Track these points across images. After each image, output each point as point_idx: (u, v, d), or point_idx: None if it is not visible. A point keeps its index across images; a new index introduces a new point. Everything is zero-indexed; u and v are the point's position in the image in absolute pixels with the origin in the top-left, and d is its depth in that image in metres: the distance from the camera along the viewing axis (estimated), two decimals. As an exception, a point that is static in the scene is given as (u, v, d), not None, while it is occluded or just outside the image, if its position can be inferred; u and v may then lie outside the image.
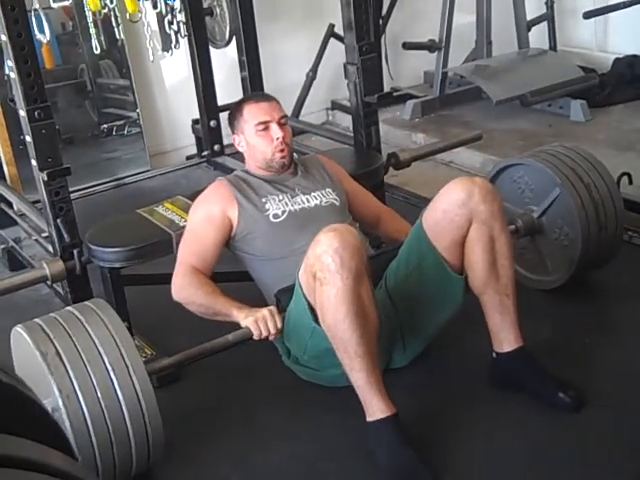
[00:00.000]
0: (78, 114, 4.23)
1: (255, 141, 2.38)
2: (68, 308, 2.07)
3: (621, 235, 2.63)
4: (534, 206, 2.59)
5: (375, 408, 1.97)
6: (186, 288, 2.28)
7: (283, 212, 2.33)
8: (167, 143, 4.52)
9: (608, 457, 1.96)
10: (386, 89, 4.31)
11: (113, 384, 1.84)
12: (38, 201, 2.74)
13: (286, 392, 2.34)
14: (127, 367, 1.87)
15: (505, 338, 2.16)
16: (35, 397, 0.94)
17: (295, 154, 2.56)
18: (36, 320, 1.98)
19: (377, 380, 1.96)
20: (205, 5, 3.90)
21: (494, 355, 2.20)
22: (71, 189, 2.61)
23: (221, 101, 3.86)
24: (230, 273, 2.60)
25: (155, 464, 2.02)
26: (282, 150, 2.36)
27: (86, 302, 2.08)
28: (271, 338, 2.17)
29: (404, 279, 2.22)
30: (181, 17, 3.39)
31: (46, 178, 2.45)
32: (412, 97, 4.81)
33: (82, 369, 1.83)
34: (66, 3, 3.58)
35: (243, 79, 3.87)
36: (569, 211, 2.48)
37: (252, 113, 2.38)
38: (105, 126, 4.27)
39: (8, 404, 0.90)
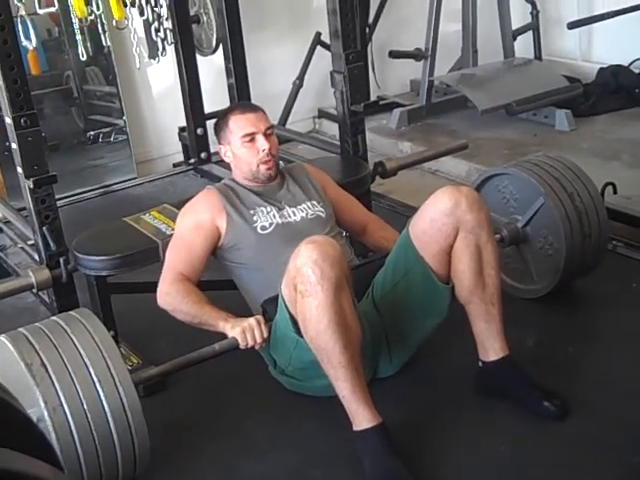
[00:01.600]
0: (64, 121, 4.22)
1: (241, 152, 2.37)
2: (53, 318, 2.06)
3: (605, 244, 2.65)
4: (519, 215, 2.60)
5: (361, 417, 1.97)
6: (173, 296, 2.28)
7: (270, 224, 2.33)
8: (154, 150, 4.51)
9: (592, 465, 1.96)
10: (373, 97, 4.34)
11: (99, 395, 1.83)
12: (24, 208, 2.73)
13: (272, 401, 2.33)
14: (113, 378, 1.86)
15: (491, 347, 2.17)
16: (21, 407, 0.94)
17: (281, 162, 2.57)
18: (21, 330, 1.96)
19: (362, 389, 1.96)
20: (192, 12, 3.91)
21: (480, 364, 2.20)
22: (57, 196, 2.61)
23: (208, 109, 3.87)
24: (216, 282, 2.60)
25: (141, 474, 2.01)
26: (267, 162, 2.36)
27: (71, 312, 2.07)
28: (257, 347, 2.17)
29: (391, 289, 2.23)
30: (168, 24, 3.39)
31: (32, 186, 2.44)
32: (398, 105, 4.82)
33: (68, 380, 1.82)
34: (52, 9, 3.58)
35: (230, 86, 3.87)
36: (553, 220, 2.50)
37: (238, 124, 2.37)
38: (91, 133, 4.27)
39: (-6, 415, 0.90)
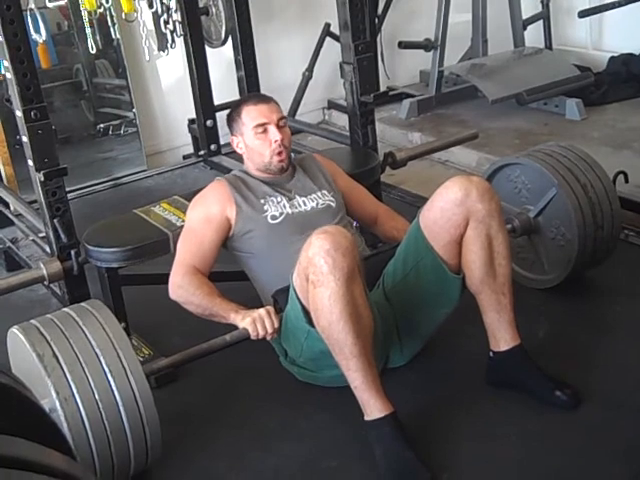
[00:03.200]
0: (74, 114, 4.22)
1: (253, 144, 2.36)
2: (64, 309, 2.06)
3: (617, 234, 2.63)
4: (531, 205, 2.59)
5: (373, 407, 1.97)
6: (184, 288, 2.28)
7: (281, 214, 2.33)
8: (163, 143, 4.52)
9: (604, 454, 1.96)
10: (382, 88, 4.35)
11: (110, 386, 1.84)
12: (35, 201, 2.74)
13: (284, 392, 2.34)
14: (124, 368, 1.87)
15: (502, 337, 2.16)
16: (34, 398, 0.95)
17: (292, 153, 2.56)
18: (32, 321, 1.97)
19: (374, 379, 1.96)
20: (201, 4, 3.90)
21: (491, 354, 2.20)
22: (68, 189, 2.61)
23: (217, 100, 3.87)
24: (227, 273, 2.60)
25: (153, 464, 2.02)
26: (280, 153, 2.35)
27: (82, 303, 2.08)
28: (268, 338, 2.17)
29: (401, 279, 2.22)
30: (177, 16, 3.39)
31: (43, 178, 2.45)
32: (408, 96, 4.81)
33: (79, 371, 1.83)
34: (62, 2, 3.59)
35: (239, 78, 3.87)
36: (566, 211, 2.49)
37: (250, 115, 2.36)
38: (101, 126, 4.27)
39: (6, 405, 0.90)
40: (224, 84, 4.04)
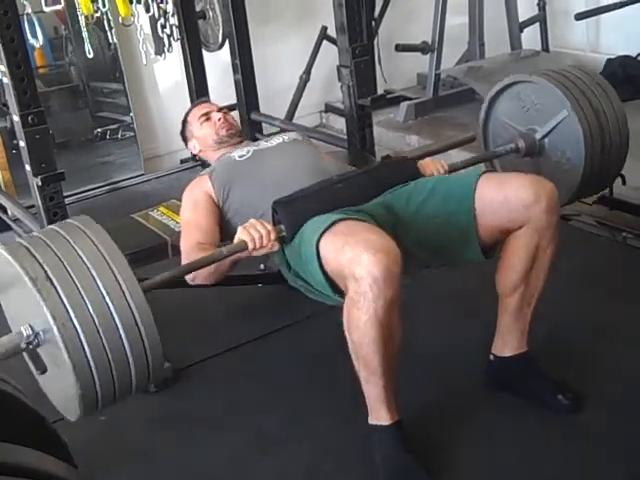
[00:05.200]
0: (72, 118, 4.22)
1: (201, 132, 2.60)
2: (51, 227, 1.92)
3: (622, 165, 2.52)
4: (538, 126, 2.46)
5: (380, 415, 1.96)
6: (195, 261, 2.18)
7: (248, 152, 2.44)
8: (161, 147, 4.51)
9: (606, 458, 1.96)
10: (379, 91, 4.33)
11: (108, 307, 1.71)
12: (32, 206, 2.73)
13: (284, 394, 2.34)
14: (121, 287, 1.74)
15: (510, 342, 2.16)
16: (34, 406, 0.94)
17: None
18: (19, 240, 1.82)
19: (389, 393, 1.94)
20: (198, 8, 3.90)
21: (491, 357, 2.20)
22: (65, 194, 2.61)
23: (215, 104, 3.86)
24: (228, 276, 2.58)
25: (156, 466, 2.02)
26: (223, 125, 2.57)
27: (69, 219, 1.94)
28: (265, 250, 2.03)
29: (426, 219, 2.11)
30: (174, 20, 3.38)
31: (40, 183, 2.45)
32: (405, 99, 4.81)
33: (75, 294, 1.70)
34: (58, 7, 3.58)
35: (236, 82, 3.87)
36: (574, 136, 2.36)
37: (193, 113, 2.66)
38: (99, 130, 4.27)
39: (7, 412, 0.90)
40: (221, 88, 4.04)
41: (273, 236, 2.01)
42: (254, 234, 1.99)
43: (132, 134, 4.31)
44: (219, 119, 2.59)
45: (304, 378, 2.40)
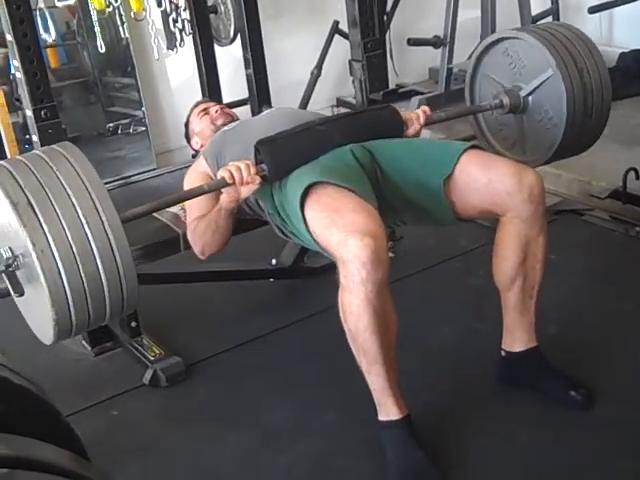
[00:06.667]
0: (84, 113, 4.23)
1: (200, 126, 2.71)
2: (34, 151, 1.94)
3: (603, 126, 2.50)
4: (523, 84, 2.45)
5: (388, 409, 1.96)
6: (196, 232, 2.27)
7: (237, 124, 2.55)
8: (172, 141, 4.51)
9: (617, 453, 1.96)
10: (391, 85, 4.30)
11: (87, 234, 1.74)
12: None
13: (295, 389, 2.34)
14: (100, 217, 1.76)
15: (519, 337, 2.16)
16: (49, 399, 0.95)
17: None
18: (2, 163, 1.83)
19: (393, 384, 1.95)
20: (209, 3, 3.90)
21: (503, 353, 2.19)
22: (78, 188, 2.61)
23: (226, 99, 3.86)
24: (228, 272, 2.59)
25: (164, 464, 2.02)
26: (220, 115, 2.68)
27: (54, 146, 1.95)
28: (246, 190, 2.06)
29: (400, 172, 2.14)
30: (186, 15, 3.39)
31: (53, 178, 2.45)
32: (417, 93, 4.79)
33: (56, 222, 1.72)
34: (71, 2, 3.59)
35: (248, 77, 3.86)
36: (558, 95, 2.35)
37: (194, 112, 2.80)
38: (111, 125, 4.27)
39: (22, 406, 0.90)
40: (233, 82, 4.03)
41: (253, 170, 2.04)
42: (232, 170, 2.03)
43: (144, 129, 4.32)
44: (216, 111, 2.71)
45: (314, 374, 2.40)
